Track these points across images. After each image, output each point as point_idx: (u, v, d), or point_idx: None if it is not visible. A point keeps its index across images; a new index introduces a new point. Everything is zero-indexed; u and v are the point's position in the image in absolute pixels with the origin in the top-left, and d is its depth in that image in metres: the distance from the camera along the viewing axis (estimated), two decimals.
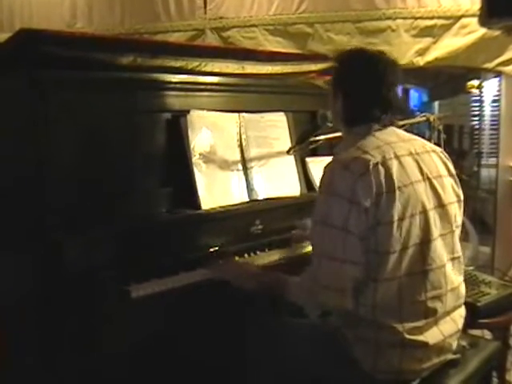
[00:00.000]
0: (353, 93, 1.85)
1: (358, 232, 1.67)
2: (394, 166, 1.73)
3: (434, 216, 1.78)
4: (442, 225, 1.81)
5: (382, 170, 1.69)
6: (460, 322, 1.89)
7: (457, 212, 1.88)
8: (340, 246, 1.68)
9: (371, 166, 1.68)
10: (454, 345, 1.87)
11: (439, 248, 1.79)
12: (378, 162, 1.70)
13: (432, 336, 1.77)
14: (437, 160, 1.88)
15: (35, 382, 1.99)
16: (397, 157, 1.75)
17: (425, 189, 1.78)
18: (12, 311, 2.06)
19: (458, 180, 1.93)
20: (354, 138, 1.82)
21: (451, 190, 1.87)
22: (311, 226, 1.81)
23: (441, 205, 1.81)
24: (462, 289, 1.90)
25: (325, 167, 1.78)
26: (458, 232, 1.89)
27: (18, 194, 1.99)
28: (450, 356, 1.88)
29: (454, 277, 1.85)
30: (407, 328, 1.73)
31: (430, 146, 1.93)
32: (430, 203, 1.78)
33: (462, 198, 1.92)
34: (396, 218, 1.68)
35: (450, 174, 1.90)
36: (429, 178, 1.80)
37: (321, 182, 1.77)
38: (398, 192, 1.69)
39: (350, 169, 1.69)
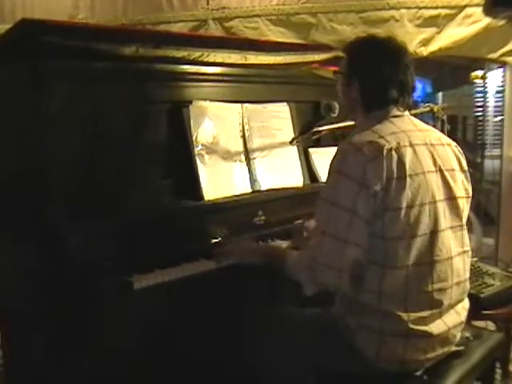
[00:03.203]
0: (370, 77, 1.85)
1: (365, 215, 1.68)
2: (408, 153, 1.73)
3: (443, 207, 1.78)
4: (451, 217, 1.81)
5: (395, 156, 1.70)
6: (463, 314, 1.89)
7: (465, 207, 1.88)
8: (345, 226, 1.69)
9: (385, 151, 1.69)
10: (458, 336, 1.88)
11: (447, 240, 1.79)
12: (393, 147, 1.71)
13: (436, 327, 1.77)
14: (450, 154, 1.88)
15: (39, 373, 2.00)
16: (411, 145, 1.76)
17: (436, 180, 1.78)
18: (15, 301, 2.06)
19: (468, 176, 1.92)
20: (371, 122, 1.82)
21: (461, 185, 1.87)
22: (318, 203, 1.80)
23: (451, 197, 1.82)
24: (468, 284, 1.90)
25: (338, 147, 1.78)
26: (465, 227, 1.89)
27: (21, 184, 1.99)
28: (454, 347, 1.88)
29: (462, 271, 1.85)
30: (412, 318, 1.73)
31: (445, 138, 1.93)
32: (440, 194, 1.78)
33: (470, 194, 1.92)
34: (404, 205, 1.69)
35: (462, 170, 1.90)
36: (441, 170, 1.80)
37: (332, 162, 1.77)
38: (408, 179, 1.70)
39: (363, 151, 1.69)
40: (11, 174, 2.05)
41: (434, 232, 1.75)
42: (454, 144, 1.94)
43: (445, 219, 1.78)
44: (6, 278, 2.09)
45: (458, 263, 1.82)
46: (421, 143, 1.79)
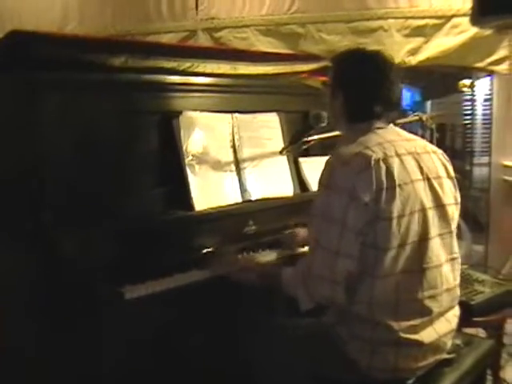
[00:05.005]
0: (354, 91, 1.86)
1: (356, 226, 1.68)
2: (395, 163, 1.74)
3: (432, 215, 1.79)
4: (440, 224, 1.82)
5: (383, 166, 1.71)
6: (454, 322, 1.89)
7: (454, 214, 1.89)
8: (336, 238, 1.69)
9: (373, 162, 1.70)
10: (449, 344, 1.88)
11: (437, 247, 1.80)
12: (380, 158, 1.72)
13: (427, 335, 1.77)
14: (437, 161, 1.89)
15: (33, 381, 1.99)
16: (398, 155, 1.77)
17: (424, 188, 1.79)
18: (8, 308, 2.05)
19: (456, 183, 1.93)
20: (355, 134, 1.82)
21: (449, 192, 1.88)
22: (310, 218, 1.81)
23: (440, 205, 1.82)
24: (458, 291, 1.91)
25: (326, 161, 1.79)
26: (454, 234, 1.89)
27: (14, 193, 1.98)
28: (445, 355, 1.88)
29: (451, 278, 1.85)
30: (403, 326, 1.73)
31: (430, 147, 1.94)
32: (428, 202, 1.79)
33: (459, 200, 1.93)
34: (396, 214, 1.69)
35: (449, 177, 1.91)
36: (428, 178, 1.81)
37: (321, 176, 1.77)
38: (398, 189, 1.71)
39: (351, 164, 1.70)
40: (4, 182, 2.04)
41: (424, 240, 1.76)
42: (440, 152, 1.94)
43: (434, 226, 1.79)
44: None
45: (446, 270, 1.83)
46: (406, 152, 1.80)
